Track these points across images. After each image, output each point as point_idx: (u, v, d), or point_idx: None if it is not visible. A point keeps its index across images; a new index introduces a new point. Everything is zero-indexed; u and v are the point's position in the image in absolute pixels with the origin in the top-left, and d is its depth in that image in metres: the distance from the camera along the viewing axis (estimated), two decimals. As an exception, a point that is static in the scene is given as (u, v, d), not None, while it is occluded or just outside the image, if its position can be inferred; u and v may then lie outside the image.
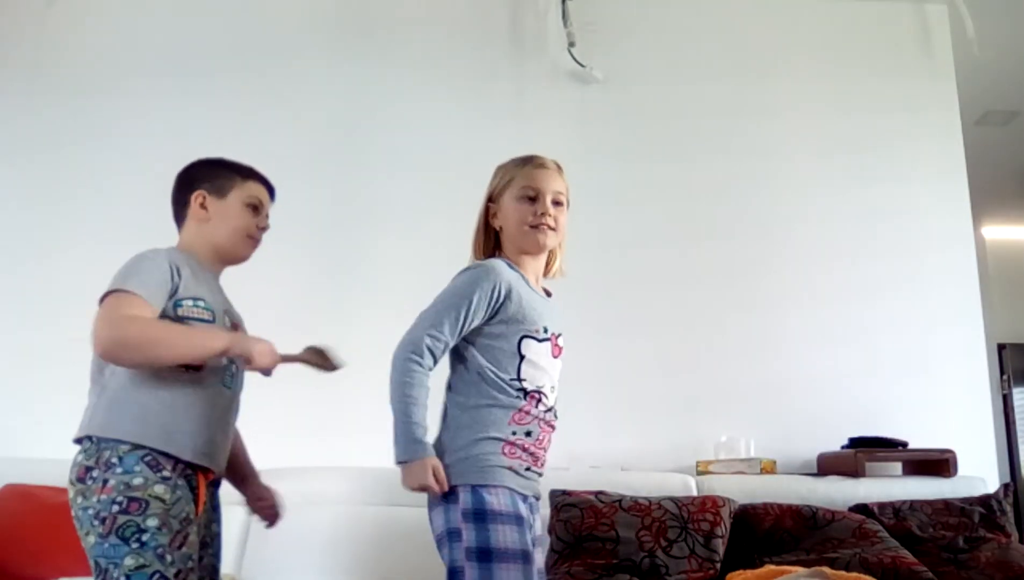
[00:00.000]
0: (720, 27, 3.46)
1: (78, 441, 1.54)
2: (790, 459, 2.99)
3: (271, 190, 1.80)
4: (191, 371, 1.57)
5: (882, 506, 2.66)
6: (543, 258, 1.74)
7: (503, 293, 1.59)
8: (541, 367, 1.61)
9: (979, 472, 2.94)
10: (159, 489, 1.48)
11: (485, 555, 1.45)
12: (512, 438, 1.56)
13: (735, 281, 3.18)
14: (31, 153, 3.21)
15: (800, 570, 2.13)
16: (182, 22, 3.35)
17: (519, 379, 1.58)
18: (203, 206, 1.71)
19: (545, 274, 1.78)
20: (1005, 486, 2.77)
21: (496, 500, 1.50)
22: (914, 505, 2.66)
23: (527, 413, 1.59)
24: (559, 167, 1.74)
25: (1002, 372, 5.54)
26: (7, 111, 3.25)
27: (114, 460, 1.48)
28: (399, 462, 1.53)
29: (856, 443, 2.92)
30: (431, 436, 1.61)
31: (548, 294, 1.75)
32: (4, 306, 3.04)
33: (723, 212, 3.26)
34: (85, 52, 3.30)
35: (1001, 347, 5.54)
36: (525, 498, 1.58)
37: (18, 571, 2.36)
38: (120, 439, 1.50)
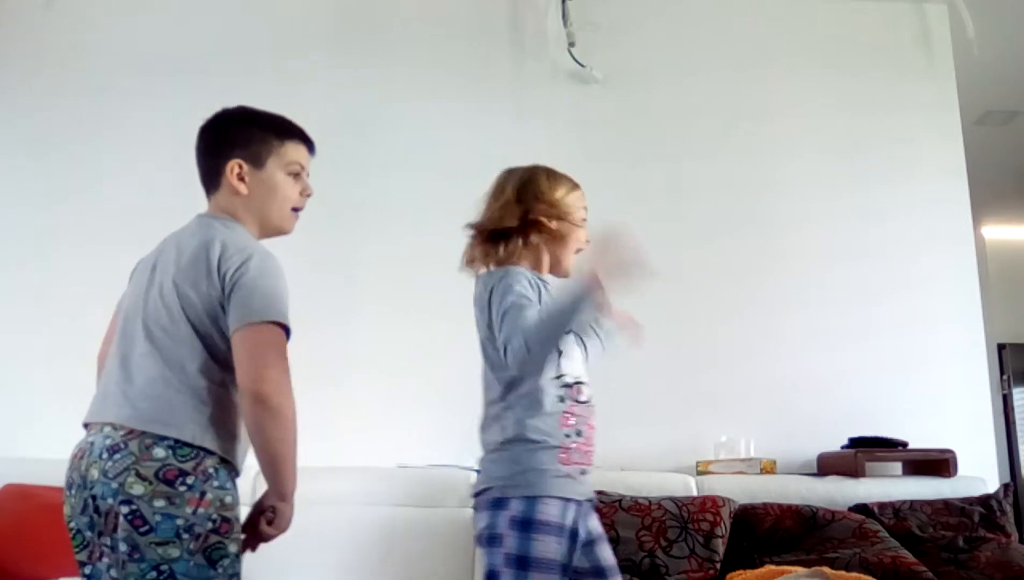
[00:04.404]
0: (720, 27, 3.46)
1: (160, 437, 1.34)
2: (790, 459, 2.99)
3: (310, 145, 1.63)
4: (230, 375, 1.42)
5: (882, 506, 2.66)
6: None
7: (536, 285, 1.62)
8: (574, 358, 1.64)
9: (979, 472, 2.94)
10: (237, 511, 1.40)
11: (523, 563, 1.48)
12: (566, 442, 1.58)
13: (735, 281, 3.18)
14: (31, 153, 3.21)
15: (800, 570, 2.13)
16: (181, 22, 3.35)
17: (560, 375, 1.61)
18: (241, 179, 1.54)
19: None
20: (1005, 486, 2.77)
21: (545, 511, 1.52)
22: (914, 505, 2.66)
23: (572, 413, 1.60)
24: None
25: (1002, 372, 5.55)
26: (7, 111, 3.25)
27: (211, 471, 1.36)
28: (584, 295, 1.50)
29: (856, 443, 2.92)
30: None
31: None
32: (4, 306, 3.04)
33: (723, 212, 3.26)
34: (85, 52, 3.29)
35: (1001, 347, 5.54)
36: (580, 503, 1.59)
37: (18, 571, 2.36)
38: (212, 450, 1.37)
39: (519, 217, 1.67)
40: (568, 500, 1.55)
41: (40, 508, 2.46)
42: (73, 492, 1.40)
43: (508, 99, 3.33)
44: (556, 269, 1.73)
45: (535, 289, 1.60)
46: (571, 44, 3.30)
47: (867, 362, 3.14)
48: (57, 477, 2.49)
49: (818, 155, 3.35)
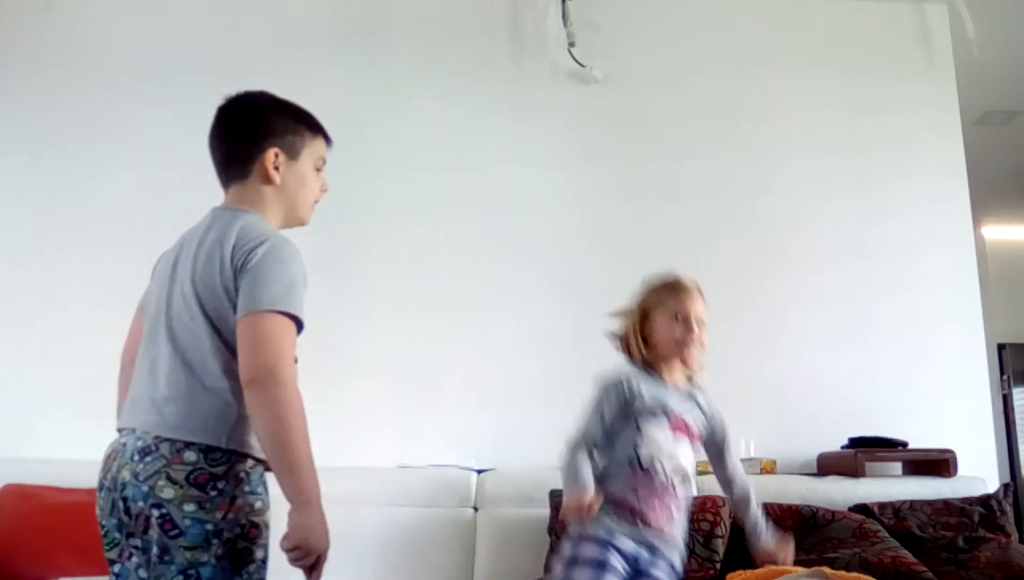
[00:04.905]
0: (720, 27, 3.46)
1: (187, 444, 1.30)
2: (790, 459, 2.99)
3: (330, 141, 1.65)
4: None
5: (882, 506, 2.66)
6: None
7: (627, 390, 1.85)
8: (655, 442, 1.83)
9: (979, 472, 2.94)
10: (268, 516, 1.37)
11: (572, 561, 1.80)
12: (620, 497, 1.80)
13: (735, 281, 3.17)
14: (30, 153, 3.21)
15: (800, 570, 2.13)
16: (181, 22, 3.36)
17: (636, 453, 1.83)
18: (276, 168, 1.49)
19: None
20: (1005, 486, 2.77)
21: (585, 551, 1.78)
22: (914, 505, 2.66)
23: (635, 478, 1.81)
24: (699, 290, 1.95)
25: (1002, 372, 5.54)
26: (7, 111, 3.25)
27: (243, 475, 1.33)
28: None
29: (856, 443, 2.92)
30: None
31: (689, 380, 1.96)
32: (4, 306, 3.04)
33: (723, 212, 3.26)
34: (85, 52, 3.29)
35: (1001, 347, 5.54)
36: (639, 543, 1.79)
37: (18, 571, 2.36)
38: (244, 453, 1.34)
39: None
40: (608, 544, 1.77)
41: (40, 508, 2.46)
42: (102, 494, 1.38)
43: (508, 99, 3.33)
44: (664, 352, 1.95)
45: (620, 398, 1.84)
46: (571, 44, 3.30)
47: (867, 362, 3.14)
48: (57, 477, 2.52)
49: (818, 155, 3.35)
